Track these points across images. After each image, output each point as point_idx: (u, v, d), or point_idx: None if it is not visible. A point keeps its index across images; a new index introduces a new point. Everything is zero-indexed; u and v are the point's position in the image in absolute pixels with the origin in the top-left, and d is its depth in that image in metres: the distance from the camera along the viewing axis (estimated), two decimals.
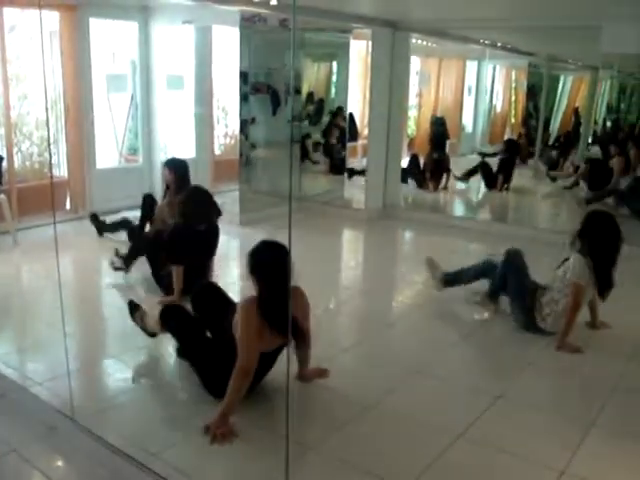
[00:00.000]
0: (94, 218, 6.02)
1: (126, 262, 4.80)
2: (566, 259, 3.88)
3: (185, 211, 4.34)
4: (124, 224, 5.76)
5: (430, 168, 8.86)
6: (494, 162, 8.70)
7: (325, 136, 8.72)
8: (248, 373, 2.82)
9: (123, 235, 5.61)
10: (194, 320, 3.30)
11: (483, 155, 9.05)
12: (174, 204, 4.72)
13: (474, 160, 9.32)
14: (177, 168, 5.18)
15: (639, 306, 4.67)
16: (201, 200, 4.41)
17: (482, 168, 8.80)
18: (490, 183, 8.66)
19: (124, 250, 4.90)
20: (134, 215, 6.01)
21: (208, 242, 4.46)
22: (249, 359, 2.81)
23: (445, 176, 8.84)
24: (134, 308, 3.70)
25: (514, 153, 8.73)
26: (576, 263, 3.72)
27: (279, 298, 2.77)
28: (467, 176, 8.87)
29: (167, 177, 5.26)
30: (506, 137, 9.46)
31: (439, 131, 9.68)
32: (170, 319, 3.29)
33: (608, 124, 8.85)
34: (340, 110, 8.64)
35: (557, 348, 3.76)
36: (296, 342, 3.05)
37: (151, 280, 4.68)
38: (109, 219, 6.03)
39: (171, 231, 4.50)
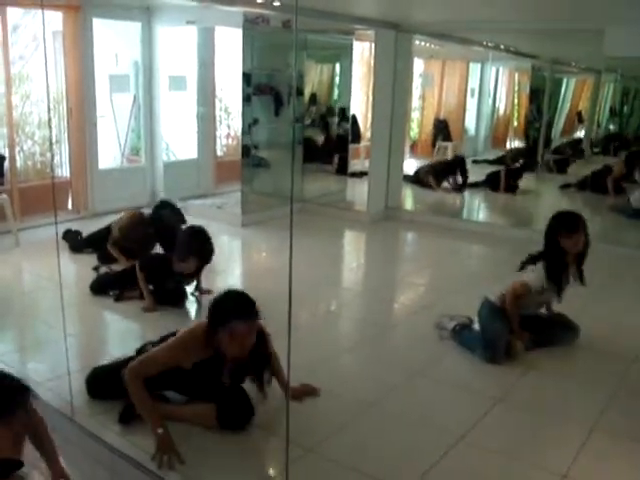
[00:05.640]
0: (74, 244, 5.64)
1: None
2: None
3: None
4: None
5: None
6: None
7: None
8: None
9: None
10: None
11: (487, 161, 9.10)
12: None
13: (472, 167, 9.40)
14: None
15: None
16: None
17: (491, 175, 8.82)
18: (494, 185, 8.66)
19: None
20: None
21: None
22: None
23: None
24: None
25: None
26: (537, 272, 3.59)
27: None
28: (474, 186, 8.91)
29: None
30: (508, 141, 9.48)
31: (437, 131, 9.76)
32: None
33: (611, 127, 8.88)
34: (342, 111, 8.65)
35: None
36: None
37: None
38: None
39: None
